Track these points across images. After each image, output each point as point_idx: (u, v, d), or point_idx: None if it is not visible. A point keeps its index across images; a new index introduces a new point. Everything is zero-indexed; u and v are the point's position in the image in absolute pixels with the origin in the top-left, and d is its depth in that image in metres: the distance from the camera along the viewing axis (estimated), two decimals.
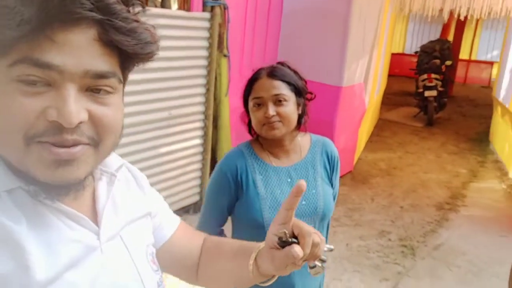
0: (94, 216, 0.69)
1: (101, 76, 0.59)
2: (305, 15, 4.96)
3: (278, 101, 1.49)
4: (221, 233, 1.64)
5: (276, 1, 4.83)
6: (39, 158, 0.57)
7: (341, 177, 5.23)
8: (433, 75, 8.65)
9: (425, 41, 11.38)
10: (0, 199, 0.58)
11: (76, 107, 0.56)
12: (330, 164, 1.64)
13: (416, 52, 11.09)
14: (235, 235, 1.62)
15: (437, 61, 9.20)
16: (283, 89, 1.50)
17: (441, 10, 6.47)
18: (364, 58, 5.19)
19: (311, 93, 1.61)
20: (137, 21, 0.60)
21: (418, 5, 6.56)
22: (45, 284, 0.57)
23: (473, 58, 16.04)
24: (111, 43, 0.58)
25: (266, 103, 1.49)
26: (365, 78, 5.37)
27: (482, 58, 16.71)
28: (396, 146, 6.91)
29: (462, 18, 6.35)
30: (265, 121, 1.49)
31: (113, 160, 0.77)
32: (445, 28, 14.76)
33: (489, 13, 6.23)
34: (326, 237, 1.59)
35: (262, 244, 0.81)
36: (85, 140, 0.59)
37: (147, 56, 0.63)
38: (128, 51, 0.60)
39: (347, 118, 5.08)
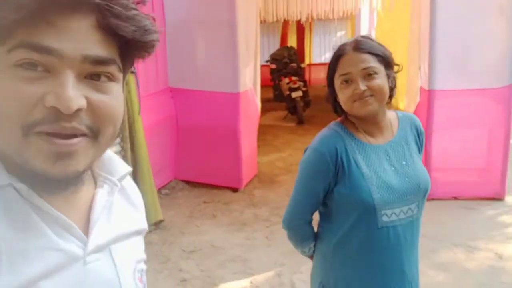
0: (85, 225, 0.66)
1: (101, 62, 0.58)
2: (189, 27, 4.95)
3: (368, 75, 1.43)
4: (311, 222, 1.59)
5: (157, 12, 4.72)
6: (38, 149, 0.56)
7: (249, 181, 5.38)
8: (293, 78, 9.32)
9: (271, 51, 12.23)
10: None
11: (75, 93, 0.55)
12: (420, 140, 1.61)
13: (267, 61, 11.75)
14: (330, 225, 1.56)
15: (294, 65, 9.96)
16: (372, 62, 1.43)
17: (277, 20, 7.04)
18: (251, 64, 5.37)
19: (397, 64, 1.54)
20: (136, 9, 0.60)
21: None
22: None
23: (311, 61, 17.64)
24: (110, 30, 0.58)
25: (355, 78, 1.42)
26: (254, 83, 5.54)
27: (317, 61, 18.45)
28: (282, 146, 7.27)
29: (300, 21, 6.95)
30: (356, 97, 1.43)
31: (119, 167, 0.75)
32: (283, 36, 16.15)
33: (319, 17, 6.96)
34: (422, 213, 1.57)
35: None
36: (83, 129, 0.58)
37: (147, 45, 0.62)
38: (127, 37, 0.59)
39: (247, 123, 5.18)
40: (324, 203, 1.55)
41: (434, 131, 4.50)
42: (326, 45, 18.52)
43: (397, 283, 1.51)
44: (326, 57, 19.11)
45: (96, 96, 0.59)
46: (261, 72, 6.03)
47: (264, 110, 10.96)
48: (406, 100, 6.32)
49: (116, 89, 0.62)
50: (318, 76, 16.39)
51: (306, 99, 9.34)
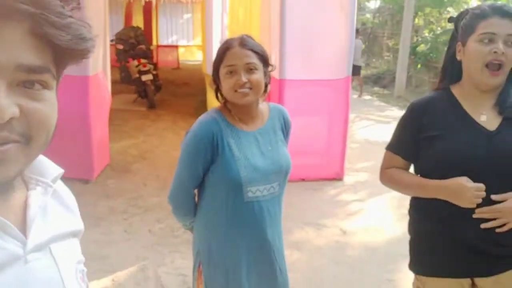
0: (23, 225, 0.66)
1: (34, 70, 0.58)
2: None
3: (249, 69, 1.62)
4: (194, 197, 1.79)
5: None
6: None
7: (101, 171, 5.05)
8: (143, 60, 8.98)
9: (115, 31, 11.60)
10: None
11: (7, 102, 0.55)
12: (286, 128, 1.85)
13: (112, 41, 11.12)
14: (207, 197, 1.74)
15: (143, 46, 9.59)
16: (254, 58, 1.63)
17: None
18: (101, 45, 5.00)
19: (271, 64, 1.75)
20: (71, 17, 0.60)
21: None
22: None
23: (158, 43, 17.20)
24: (45, 37, 0.57)
25: (238, 71, 1.61)
26: (104, 66, 5.18)
27: (164, 43, 18.07)
28: (134, 132, 6.99)
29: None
30: (237, 88, 1.60)
31: (51, 169, 0.74)
32: (127, 15, 15.43)
33: None
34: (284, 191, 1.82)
35: None
36: (15, 137, 0.57)
37: (82, 53, 0.62)
38: (62, 46, 0.59)
39: (98, 109, 4.84)
40: (201, 180, 1.73)
41: None
42: (173, 27, 18.25)
43: (261, 250, 1.76)
44: (173, 39, 18.87)
45: (29, 104, 0.58)
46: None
47: (111, 93, 10.44)
48: None
49: (49, 96, 0.62)
50: (166, 58, 16.11)
51: (156, 83, 9.10)
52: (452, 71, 1.59)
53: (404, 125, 1.66)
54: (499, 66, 1.44)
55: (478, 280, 1.54)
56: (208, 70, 7.93)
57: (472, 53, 1.47)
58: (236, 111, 1.70)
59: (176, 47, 16.66)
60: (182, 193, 1.76)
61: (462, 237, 1.50)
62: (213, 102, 7.91)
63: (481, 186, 1.41)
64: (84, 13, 4.27)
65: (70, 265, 0.73)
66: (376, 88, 13.65)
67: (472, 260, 1.51)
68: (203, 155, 1.64)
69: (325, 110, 5.06)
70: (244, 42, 1.65)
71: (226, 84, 1.63)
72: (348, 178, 5.22)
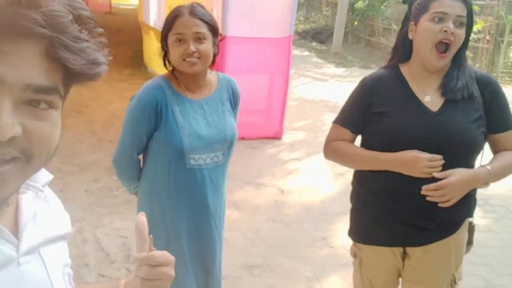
0: (15, 229, 0.68)
1: (43, 91, 0.58)
2: None
3: (198, 38, 1.61)
4: (138, 162, 1.79)
5: None
6: None
7: None
8: None
9: None
10: None
11: (10, 121, 0.55)
12: (234, 99, 1.81)
13: None
14: (151, 163, 1.76)
15: None
16: (203, 28, 1.62)
17: None
18: None
19: (221, 34, 1.74)
20: (88, 41, 0.60)
21: None
22: None
23: None
24: (58, 59, 0.58)
25: (187, 39, 1.60)
26: None
27: None
28: None
29: None
30: (186, 57, 1.59)
31: (41, 174, 0.74)
32: None
33: None
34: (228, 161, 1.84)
35: (124, 280, 0.90)
36: (16, 154, 0.58)
37: (93, 76, 0.63)
38: (75, 70, 0.59)
39: None
40: (146, 145, 1.74)
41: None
42: None
43: (201, 216, 1.79)
44: None
45: (33, 124, 0.58)
46: None
47: None
48: None
49: (55, 115, 0.61)
50: (96, 1, 15.12)
51: None
52: (403, 50, 1.65)
53: (354, 100, 1.70)
54: (446, 47, 1.49)
55: (409, 249, 1.67)
56: (145, 18, 7.58)
57: (423, 32, 1.51)
58: (183, 79, 1.69)
59: None
60: (126, 158, 1.76)
61: (398, 211, 1.61)
62: (149, 53, 7.65)
63: (436, 156, 1.50)
64: None
65: (57, 268, 0.75)
66: (314, 43, 13.77)
67: (405, 232, 1.63)
68: (147, 121, 1.64)
69: (266, 69, 5.07)
70: (194, 11, 1.62)
71: (175, 52, 1.62)
72: (286, 137, 5.34)
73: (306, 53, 12.22)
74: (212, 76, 1.79)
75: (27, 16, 0.53)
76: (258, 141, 5.06)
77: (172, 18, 1.63)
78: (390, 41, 12.12)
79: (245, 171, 4.33)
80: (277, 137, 5.23)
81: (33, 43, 0.56)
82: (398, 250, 1.68)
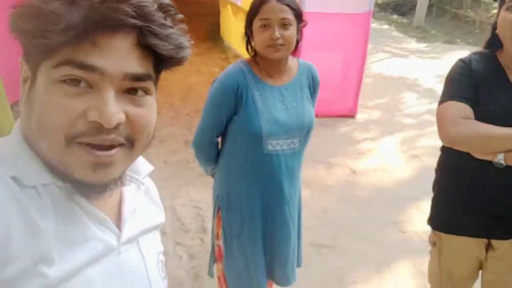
0: (118, 219, 0.73)
1: (139, 78, 0.62)
2: None
3: (283, 25, 1.61)
4: (217, 144, 1.84)
5: None
6: (79, 159, 0.60)
7: None
8: None
9: None
10: (37, 193, 0.62)
11: (115, 108, 0.60)
12: (313, 86, 1.83)
13: None
14: (229, 147, 1.80)
15: None
16: (289, 14, 1.62)
17: None
18: None
19: (304, 20, 1.72)
20: (172, 27, 0.64)
21: None
22: (64, 278, 0.61)
23: None
24: (148, 47, 0.62)
25: (273, 25, 1.60)
26: None
27: None
28: None
29: None
30: (270, 43, 1.61)
31: (143, 166, 0.81)
32: None
33: None
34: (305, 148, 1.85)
35: None
36: (121, 140, 0.62)
37: (181, 60, 0.67)
38: (164, 54, 0.63)
39: None
40: (225, 129, 1.77)
41: (301, 52, 4.70)
42: None
43: (276, 201, 1.82)
44: None
45: (133, 110, 0.63)
46: None
47: None
48: None
49: (151, 101, 0.66)
50: None
51: None
52: (495, 37, 1.57)
53: (460, 76, 1.55)
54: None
55: (494, 241, 1.62)
56: None
57: (500, 22, 1.48)
58: (265, 65, 1.71)
59: None
60: (205, 140, 1.80)
61: (489, 202, 1.56)
62: (226, 27, 7.71)
63: None
64: None
65: (153, 256, 0.80)
66: (394, 16, 13.16)
67: (492, 223, 1.58)
68: (227, 105, 1.68)
69: (343, 45, 4.95)
70: None
71: (260, 38, 1.63)
72: (361, 116, 5.23)
73: (386, 26, 11.72)
74: (293, 62, 1.79)
75: (119, 9, 0.57)
76: (331, 119, 5.00)
77: (259, 3, 1.63)
78: (478, 14, 11.28)
79: (316, 150, 4.32)
80: (351, 115, 5.14)
81: (124, 34, 0.60)
82: (483, 242, 1.64)
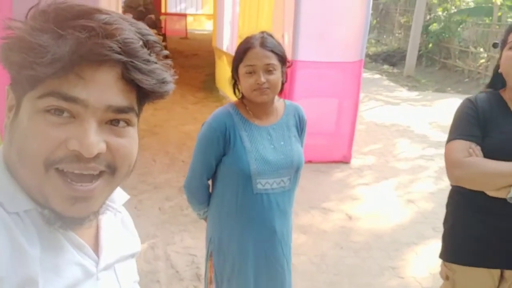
0: (95, 246, 0.75)
1: (121, 110, 0.64)
2: None
3: (268, 70, 1.67)
4: (208, 187, 1.86)
5: None
6: (56, 188, 0.62)
7: None
8: (152, 31, 8.90)
9: None
10: (20, 218, 0.63)
11: (96, 139, 0.61)
12: (300, 126, 1.88)
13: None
14: (219, 188, 1.82)
15: (152, 16, 9.49)
16: (273, 59, 1.68)
17: None
18: None
19: (289, 61, 1.79)
20: (156, 63, 0.66)
21: None
22: None
23: (166, 10, 16.99)
24: (132, 81, 0.64)
25: (258, 71, 1.66)
26: None
27: (173, 10, 17.83)
28: None
29: None
30: (256, 87, 1.66)
31: (119, 195, 0.82)
32: None
33: None
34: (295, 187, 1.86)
35: None
36: (102, 167, 0.64)
37: (163, 94, 0.69)
38: (147, 88, 0.65)
39: None
40: (215, 171, 1.80)
41: (294, 99, 4.79)
42: None
43: (268, 241, 1.82)
44: (182, 7, 18.62)
45: (115, 140, 0.65)
46: None
47: None
48: None
49: (132, 132, 0.68)
50: (174, 27, 15.93)
51: None
52: (497, 78, 1.68)
53: (467, 115, 1.62)
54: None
55: (507, 272, 1.63)
56: (218, 44, 7.87)
57: (503, 61, 1.59)
58: (252, 107, 1.76)
59: (185, 15, 16.59)
60: (196, 183, 1.82)
61: (507, 231, 1.58)
62: (221, 77, 7.89)
63: None
64: None
65: (129, 284, 0.82)
66: (385, 66, 13.52)
67: (507, 251, 1.59)
68: (216, 146, 1.71)
69: (336, 93, 5.05)
70: (265, 43, 1.68)
71: (245, 83, 1.69)
72: (355, 161, 5.25)
73: (377, 76, 12.01)
74: (279, 103, 1.84)
75: (104, 45, 0.59)
76: (326, 164, 5.02)
77: (244, 50, 1.69)
78: (467, 64, 11.61)
79: (311, 195, 4.31)
80: (345, 161, 5.16)
81: (109, 68, 0.62)
82: (496, 272, 1.64)
